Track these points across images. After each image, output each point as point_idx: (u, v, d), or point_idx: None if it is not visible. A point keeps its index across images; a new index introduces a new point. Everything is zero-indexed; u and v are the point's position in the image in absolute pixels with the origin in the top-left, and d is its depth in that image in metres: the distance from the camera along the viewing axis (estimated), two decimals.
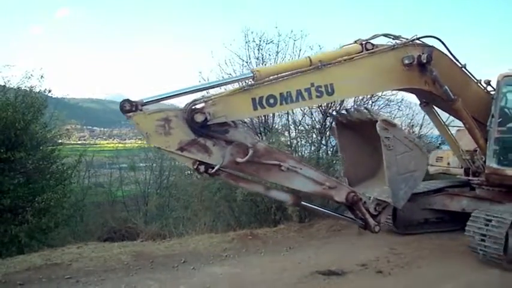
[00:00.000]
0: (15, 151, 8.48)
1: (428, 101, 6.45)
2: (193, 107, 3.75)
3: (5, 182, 8.34)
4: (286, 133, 11.72)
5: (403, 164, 4.47)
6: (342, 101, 11.60)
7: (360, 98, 11.72)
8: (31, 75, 10.04)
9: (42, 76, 10.21)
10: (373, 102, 12.04)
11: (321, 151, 10.47)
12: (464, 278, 5.33)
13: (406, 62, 4.95)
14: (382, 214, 4.65)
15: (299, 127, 10.93)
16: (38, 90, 10.08)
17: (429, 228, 7.63)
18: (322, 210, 5.15)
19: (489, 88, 6.48)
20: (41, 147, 9.70)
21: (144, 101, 3.71)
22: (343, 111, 5.52)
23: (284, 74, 4.23)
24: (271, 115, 11.87)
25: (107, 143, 34.77)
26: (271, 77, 4.17)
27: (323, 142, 10.61)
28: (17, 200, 8.57)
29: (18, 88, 9.95)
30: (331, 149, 10.37)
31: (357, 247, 6.76)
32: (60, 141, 12.09)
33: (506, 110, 6.67)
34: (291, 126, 11.64)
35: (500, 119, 6.37)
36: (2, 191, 8.30)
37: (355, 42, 4.95)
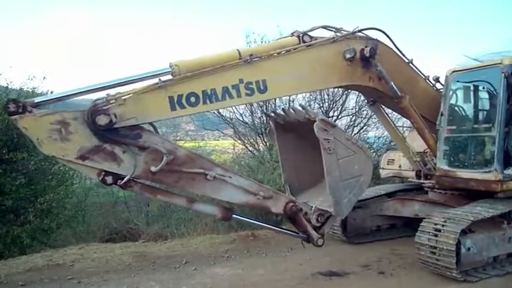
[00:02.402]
0: (17, 152, 8.48)
1: (374, 99, 6.16)
2: (94, 108, 3.20)
3: (7, 183, 8.35)
4: None
5: (346, 169, 3.99)
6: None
7: (362, 98, 11.67)
8: (33, 76, 10.09)
9: (44, 77, 10.27)
10: None
11: None
12: None
13: (348, 56, 4.55)
14: (326, 225, 4.20)
15: None
16: (40, 92, 10.11)
17: (383, 236, 7.23)
18: (259, 223, 4.68)
19: (438, 85, 6.15)
20: None
21: (36, 102, 3.17)
22: (280, 111, 4.89)
23: (208, 68, 3.70)
24: (273, 114, 11.84)
25: None
26: (193, 72, 3.63)
27: None
28: (19, 201, 8.58)
29: (21, 89, 9.98)
30: None
31: (358, 248, 6.76)
32: None
33: (455, 107, 6.20)
34: None
35: (450, 117, 6.00)
36: (4, 192, 8.31)
37: (292, 34, 4.51)
